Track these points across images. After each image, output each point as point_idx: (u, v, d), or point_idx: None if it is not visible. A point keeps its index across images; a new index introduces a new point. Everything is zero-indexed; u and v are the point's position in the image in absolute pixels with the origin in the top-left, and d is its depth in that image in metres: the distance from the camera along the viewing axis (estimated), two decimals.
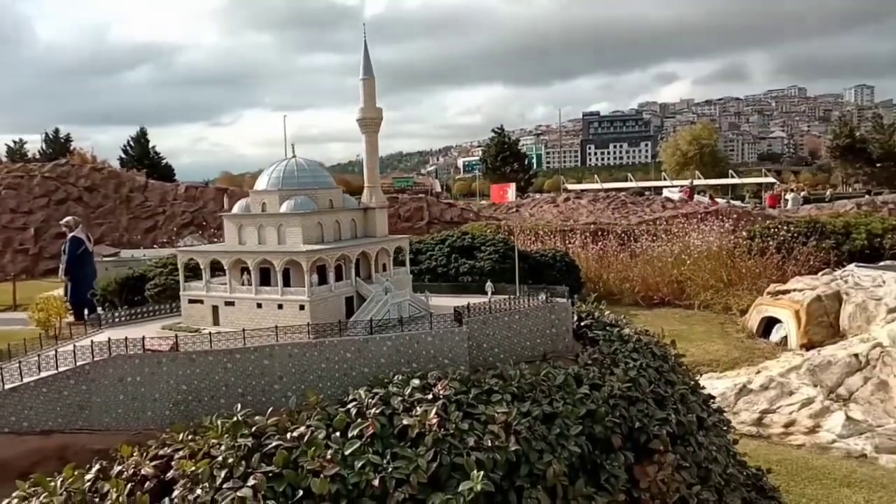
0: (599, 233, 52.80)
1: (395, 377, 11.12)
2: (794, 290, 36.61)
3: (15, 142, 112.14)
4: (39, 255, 61.58)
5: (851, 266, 38.50)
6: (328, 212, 13.44)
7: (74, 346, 10.95)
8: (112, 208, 66.01)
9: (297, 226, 12.64)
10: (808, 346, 31.88)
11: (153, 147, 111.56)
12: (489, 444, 10.07)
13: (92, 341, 11.02)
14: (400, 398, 10.61)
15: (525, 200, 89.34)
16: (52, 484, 9.79)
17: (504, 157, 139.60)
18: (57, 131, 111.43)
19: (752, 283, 41.68)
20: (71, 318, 34.46)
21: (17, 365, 10.78)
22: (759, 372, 28.10)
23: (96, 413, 10.93)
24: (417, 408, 10.43)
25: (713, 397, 16.04)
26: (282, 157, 13.83)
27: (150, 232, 65.44)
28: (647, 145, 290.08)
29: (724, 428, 14.98)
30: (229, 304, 12.89)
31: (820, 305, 33.75)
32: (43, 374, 10.81)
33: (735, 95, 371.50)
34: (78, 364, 10.89)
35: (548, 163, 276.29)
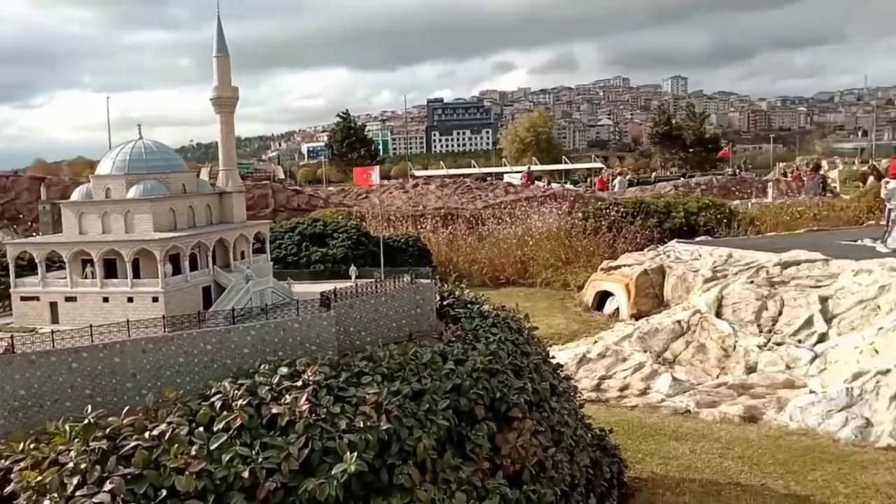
0: (448, 217, 54.27)
1: (262, 366, 10.91)
2: (624, 265, 39.87)
3: None
4: None
5: (673, 242, 42.55)
6: (181, 197, 12.77)
7: None
8: None
9: (148, 212, 11.90)
10: (638, 316, 34.90)
11: None
12: (361, 426, 10.19)
13: None
14: (267, 387, 10.44)
15: (374, 186, 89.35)
16: None
17: (350, 142, 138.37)
18: None
19: (588, 261, 44.81)
20: None
21: None
22: (596, 342, 30.37)
23: None
24: (287, 395, 10.32)
25: (561, 365, 17.21)
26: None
27: None
28: (488, 132, 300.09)
29: (572, 394, 16.16)
30: (70, 299, 11.90)
31: (646, 278, 37.05)
32: None
33: (567, 85, 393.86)
34: None
35: (394, 149, 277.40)
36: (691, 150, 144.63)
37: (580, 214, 49.35)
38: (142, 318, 11.00)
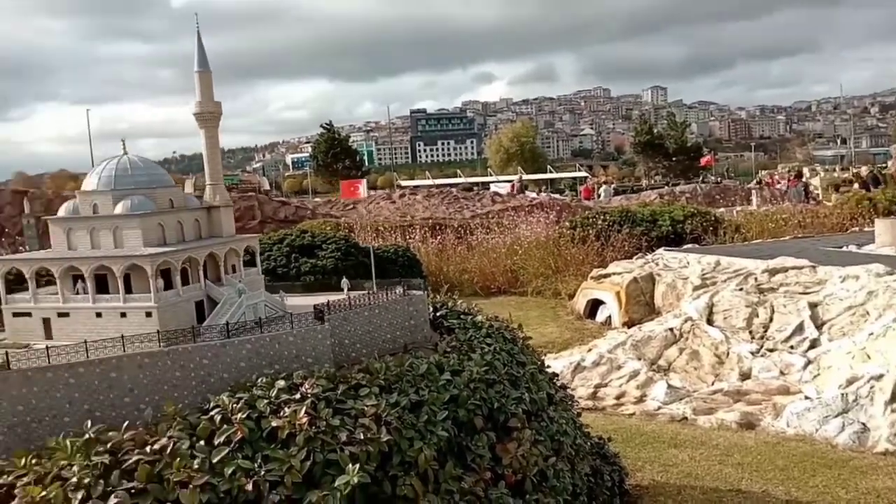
0: (437, 227, 54.26)
1: (259, 380, 10.78)
2: (614, 273, 39.98)
3: None
4: None
5: (660, 250, 42.79)
6: (169, 212, 12.63)
7: None
8: None
9: (137, 228, 11.76)
10: (630, 324, 34.99)
11: None
12: (361, 438, 10.10)
13: None
14: (266, 400, 10.31)
15: (361, 198, 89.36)
16: None
17: (335, 153, 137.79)
18: None
19: (577, 269, 44.91)
20: None
21: None
22: (590, 350, 30.39)
23: None
24: (286, 408, 10.20)
25: (557, 374, 17.17)
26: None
27: None
28: (472, 142, 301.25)
29: (570, 402, 16.12)
30: (63, 315, 11.70)
31: (637, 286, 37.16)
32: None
33: (548, 95, 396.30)
34: None
35: (379, 159, 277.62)
36: (674, 158, 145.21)
37: (567, 223, 49.48)
38: (136, 333, 10.83)
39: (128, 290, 11.80)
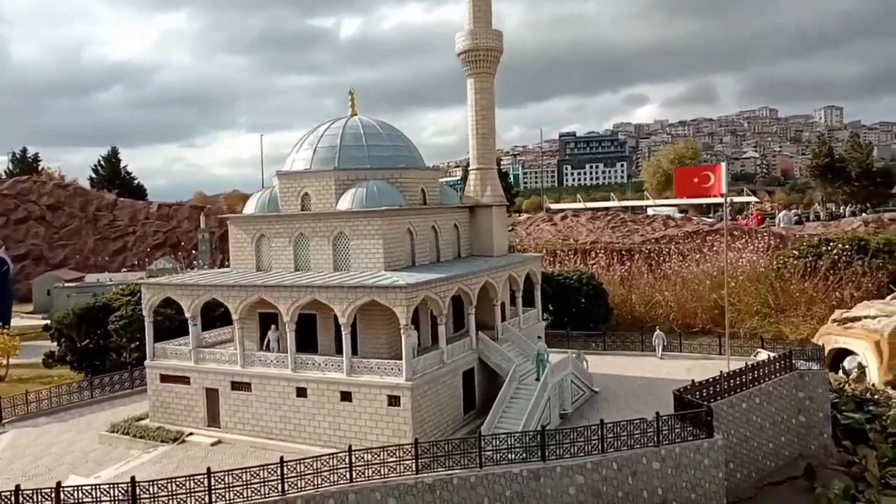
0: (625, 252, 47.75)
1: None
2: (866, 316, 31.81)
3: None
4: None
5: None
6: (422, 210, 7.78)
7: None
8: (78, 228, 59.04)
9: (377, 236, 7.06)
10: (894, 383, 26.87)
11: (125, 167, 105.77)
12: None
13: None
14: None
15: (521, 219, 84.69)
16: None
17: None
18: (25, 150, 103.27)
19: (807, 309, 36.82)
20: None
21: None
22: None
23: None
24: None
25: None
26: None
27: (120, 253, 58.67)
28: (622, 165, 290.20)
29: None
30: (240, 386, 7.07)
31: None
32: None
33: (708, 116, 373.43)
34: None
35: (525, 183, 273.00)
36: (856, 183, 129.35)
37: (796, 251, 41.14)
38: (370, 439, 5.82)
39: (353, 345, 6.90)
